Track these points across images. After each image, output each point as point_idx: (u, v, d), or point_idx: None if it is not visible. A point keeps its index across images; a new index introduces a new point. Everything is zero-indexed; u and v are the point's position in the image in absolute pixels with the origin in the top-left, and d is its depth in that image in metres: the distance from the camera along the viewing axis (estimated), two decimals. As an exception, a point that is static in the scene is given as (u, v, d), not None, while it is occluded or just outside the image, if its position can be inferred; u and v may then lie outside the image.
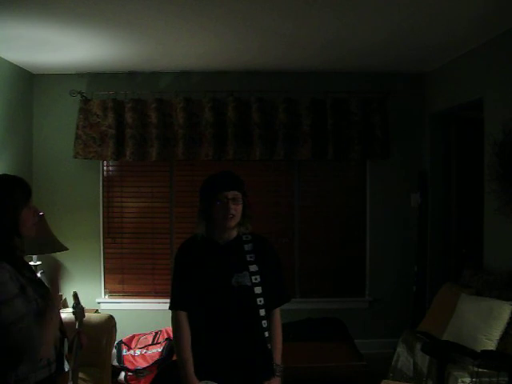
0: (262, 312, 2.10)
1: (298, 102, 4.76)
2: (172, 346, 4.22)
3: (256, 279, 2.09)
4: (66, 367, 1.96)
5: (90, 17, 3.34)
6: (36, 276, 1.97)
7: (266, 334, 2.13)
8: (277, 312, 2.22)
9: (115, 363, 4.15)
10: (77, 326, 2.22)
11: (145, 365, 4.16)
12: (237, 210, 2.07)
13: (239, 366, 2.06)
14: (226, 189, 2.06)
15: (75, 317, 2.29)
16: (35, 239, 3.71)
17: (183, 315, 2.09)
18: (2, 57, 4.23)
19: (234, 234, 2.15)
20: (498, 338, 3.06)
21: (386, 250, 4.99)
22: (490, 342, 3.06)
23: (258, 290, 2.08)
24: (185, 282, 2.11)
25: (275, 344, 2.16)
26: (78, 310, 2.32)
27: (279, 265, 2.24)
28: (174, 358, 2.16)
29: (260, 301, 2.09)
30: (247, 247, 2.14)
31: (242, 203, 2.10)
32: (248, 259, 2.11)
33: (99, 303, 4.92)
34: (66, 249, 4.15)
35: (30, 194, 1.89)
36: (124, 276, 5.03)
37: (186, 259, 2.13)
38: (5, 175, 1.91)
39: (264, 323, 2.11)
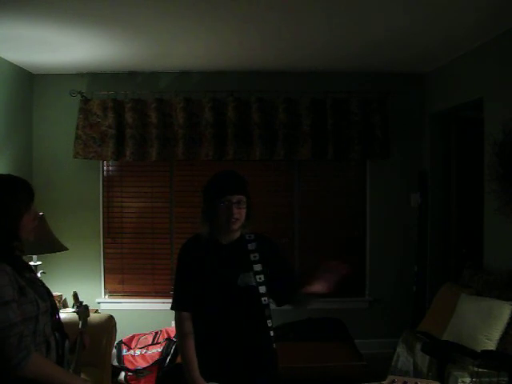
0: (267, 311, 2.11)
1: (298, 102, 4.76)
2: (172, 346, 4.22)
3: (260, 278, 2.08)
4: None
5: (89, 17, 3.34)
6: (36, 276, 1.95)
7: (272, 333, 2.13)
8: None
9: (115, 363, 4.15)
10: (80, 326, 2.21)
11: (145, 365, 4.16)
12: (241, 213, 2.06)
13: (245, 365, 2.05)
14: (230, 193, 2.03)
15: (78, 316, 2.28)
16: (38, 241, 3.72)
17: (187, 316, 2.08)
18: (2, 57, 4.23)
19: (238, 234, 2.15)
20: (497, 338, 3.06)
21: (386, 250, 4.99)
22: (489, 341, 3.06)
23: (262, 289, 2.08)
24: (188, 282, 2.09)
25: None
26: (82, 309, 2.31)
27: (285, 258, 2.24)
28: (178, 360, 2.16)
29: (264, 300, 2.09)
30: (251, 246, 2.14)
31: (245, 206, 2.08)
32: (252, 259, 2.11)
33: (99, 303, 4.92)
34: (66, 249, 4.15)
35: (33, 198, 1.86)
36: (124, 276, 5.03)
37: (190, 259, 2.12)
38: (10, 176, 1.87)
39: (269, 322, 2.11)
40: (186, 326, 2.07)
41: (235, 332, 2.05)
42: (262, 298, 2.08)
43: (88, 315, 2.32)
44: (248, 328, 2.07)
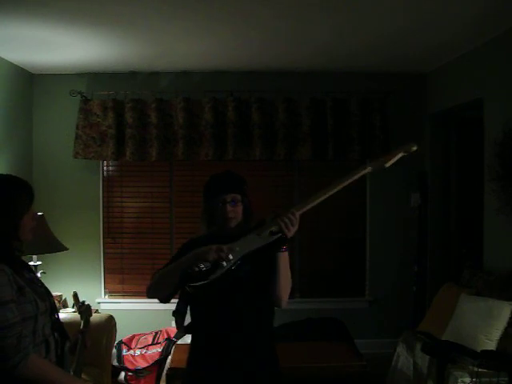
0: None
1: (298, 102, 4.76)
2: (172, 346, 4.21)
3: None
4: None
5: (89, 17, 3.35)
6: (35, 276, 1.94)
7: (272, 329, 2.14)
8: None
9: (115, 363, 4.15)
10: (81, 326, 2.21)
11: (145, 365, 4.16)
12: (236, 211, 2.08)
13: (245, 359, 2.04)
14: (224, 192, 2.07)
15: (80, 316, 2.28)
16: (38, 241, 3.72)
17: None
18: (2, 57, 4.23)
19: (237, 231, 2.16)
20: (497, 337, 3.07)
21: (386, 250, 4.99)
22: (490, 342, 3.06)
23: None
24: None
25: None
26: (84, 308, 2.31)
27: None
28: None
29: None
30: None
31: (241, 204, 2.10)
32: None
33: (99, 303, 4.92)
34: (66, 249, 4.15)
35: (33, 199, 1.86)
36: (124, 276, 5.03)
37: (189, 248, 2.14)
38: (11, 177, 1.87)
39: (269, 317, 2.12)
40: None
41: (235, 322, 2.04)
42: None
43: (90, 314, 2.31)
44: (249, 318, 2.06)
